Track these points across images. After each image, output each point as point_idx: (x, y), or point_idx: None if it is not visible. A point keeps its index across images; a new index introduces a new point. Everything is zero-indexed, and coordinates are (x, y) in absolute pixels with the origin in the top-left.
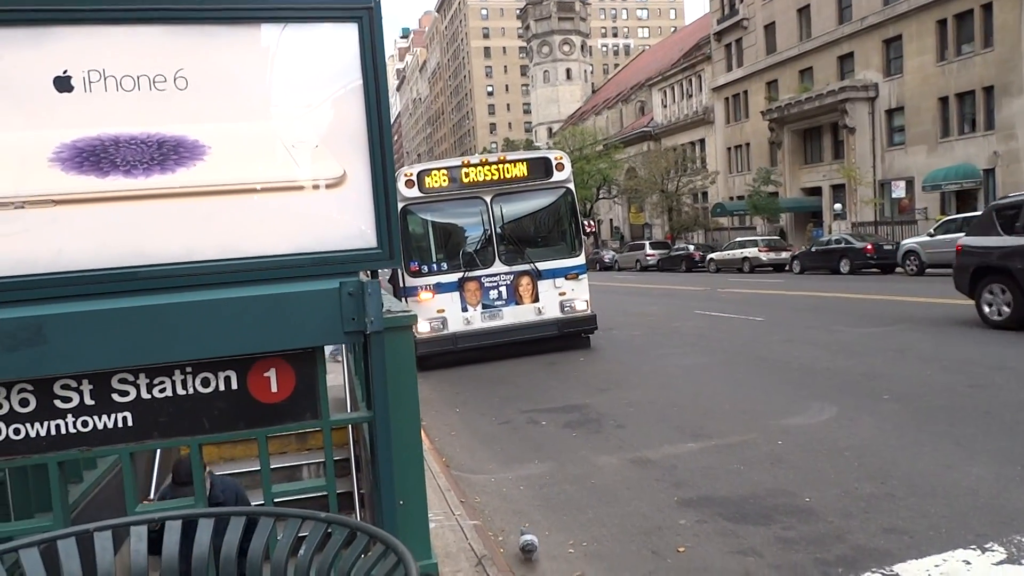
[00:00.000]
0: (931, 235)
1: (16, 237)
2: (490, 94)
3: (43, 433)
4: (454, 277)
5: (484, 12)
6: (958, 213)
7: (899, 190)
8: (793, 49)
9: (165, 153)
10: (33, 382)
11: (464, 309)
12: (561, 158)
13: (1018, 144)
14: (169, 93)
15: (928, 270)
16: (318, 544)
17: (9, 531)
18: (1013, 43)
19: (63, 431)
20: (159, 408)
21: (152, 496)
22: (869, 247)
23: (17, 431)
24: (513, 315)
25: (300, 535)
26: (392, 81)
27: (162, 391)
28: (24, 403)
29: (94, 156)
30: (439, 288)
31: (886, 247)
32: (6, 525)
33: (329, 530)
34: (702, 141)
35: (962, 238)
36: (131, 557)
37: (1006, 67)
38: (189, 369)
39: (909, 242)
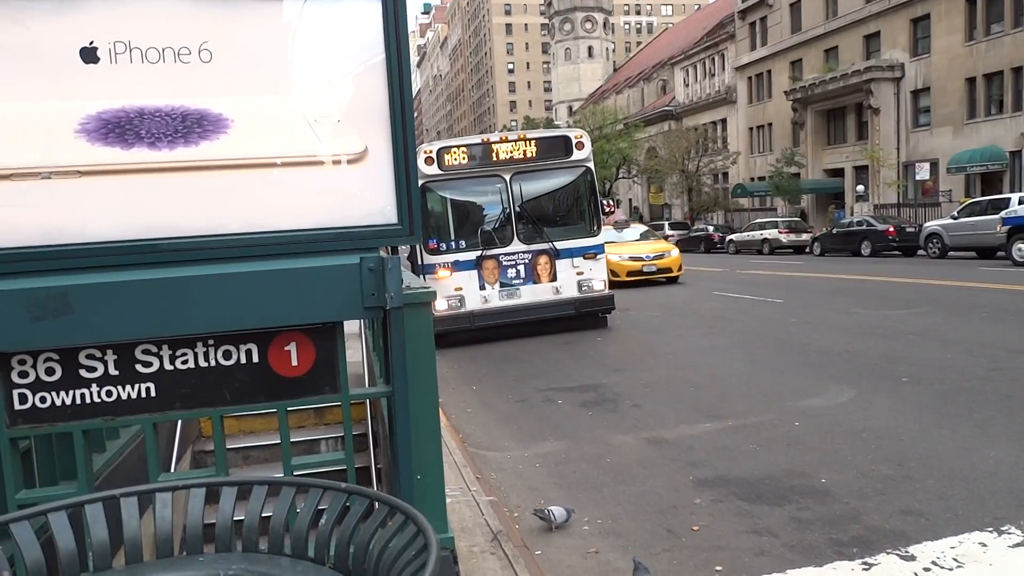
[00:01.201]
0: (955, 218)
1: (43, 208)
2: (511, 71)
3: (68, 402)
4: (472, 255)
5: None
6: (983, 195)
7: (923, 172)
8: (819, 28)
9: (189, 126)
10: (59, 351)
11: (482, 287)
12: (581, 137)
13: None
14: (193, 65)
15: (951, 253)
16: (338, 516)
17: (35, 497)
18: None
19: (88, 400)
20: (181, 379)
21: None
22: (891, 229)
23: (43, 399)
24: (531, 294)
25: (319, 508)
26: (413, 57)
27: (184, 363)
28: (50, 372)
29: (119, 128)
30: (457, 266)
31: (908, 229)
32: (32, 491)
33: (348, 502)
34: (724, 121)
35: None
36: (156, 523)
37: None
38: (211, 341)
39: (932, 224)
